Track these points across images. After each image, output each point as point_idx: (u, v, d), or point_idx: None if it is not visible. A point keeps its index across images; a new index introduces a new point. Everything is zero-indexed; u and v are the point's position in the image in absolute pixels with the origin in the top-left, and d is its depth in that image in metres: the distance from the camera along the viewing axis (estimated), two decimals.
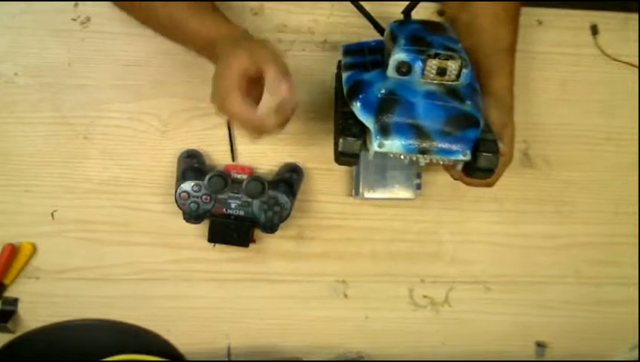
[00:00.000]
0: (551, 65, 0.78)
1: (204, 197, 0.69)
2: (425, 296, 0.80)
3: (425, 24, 0.60)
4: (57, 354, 0.75)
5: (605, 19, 0.78)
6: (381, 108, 0.56)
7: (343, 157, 0.58)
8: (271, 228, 0.71)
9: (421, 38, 0.57)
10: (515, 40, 0.70)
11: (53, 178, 0.72)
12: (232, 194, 0.70)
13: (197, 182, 0.69)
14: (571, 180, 0.79)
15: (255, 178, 0.69)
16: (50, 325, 0.74)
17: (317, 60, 0.74)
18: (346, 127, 0.58)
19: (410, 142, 0.55)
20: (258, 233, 0.73)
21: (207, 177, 0.68)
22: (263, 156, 0.74)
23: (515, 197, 0.78)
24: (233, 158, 0.74)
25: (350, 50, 0.66)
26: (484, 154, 0.56)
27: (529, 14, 0.76)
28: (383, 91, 0.57)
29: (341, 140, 0.57)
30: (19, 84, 0.71)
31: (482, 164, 0.57)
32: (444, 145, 0.56)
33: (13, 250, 0.71)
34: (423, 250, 0.78)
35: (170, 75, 0.72)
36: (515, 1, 0.70)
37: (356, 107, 0.57)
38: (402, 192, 0.73)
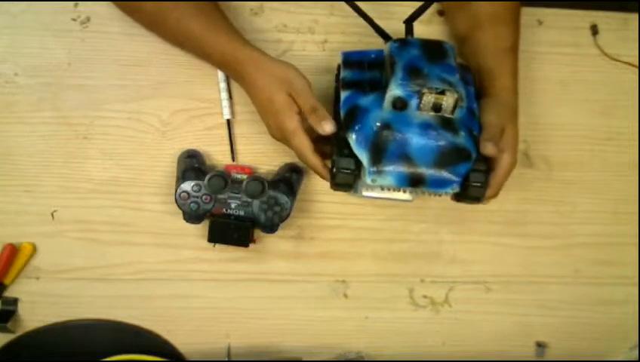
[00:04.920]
0: (551, 65, 0.78)
1: (204, 197, 0.69)
2: (425, 296, 0.80)
3: (424, 47, 0.60)
4: (57, 354, 0.75)
5: (605, 19, 0.78)
6: (376, 145, 0.58)
7: (339, 188, 0.62)
8: (271, 228, 0.71)
9: (418, 69, 0.58)
10: (516, 39, 0.70)
11: (53, 178, 0.72)
12: (232, 194, 0.70)
13: (197, 182, 0.69)
14: (571, 180, 0.79)
15: (255, 178, 0.69)
16: (50, 325, 0.74)
17: (317, 60, 0.74)
18: (342, 161, 0.60)
19: (402, 178, 0.59)
20: (258, 233, 0.73)
21: (207, 177, 0.68)
22: (263, 156, 0.74)
23: (515, 197, 0.78)
24: (233, 158, 0.74)
25: (350, 61, 0.66)
26: (473, 185, 0.60)
27: (529, 14, 0.76)
28: (378, 124, 0.58)
29: (337, 174, 0.60)
30: (19, 84, 0.71)
31: (470, 194, 0.60)
32: (435, 181, 0.59)
33: (13, 250, 0.71)
34: (423, 250, 0.78)
35: (170, 75, 0.72)
36: (515, 0, 0.70)
37: (352, 139, 0.59)
38: (400, 194, 0.73)
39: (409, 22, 0.66)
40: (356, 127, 0.60)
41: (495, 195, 0.66)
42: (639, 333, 0.82)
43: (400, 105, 0.58)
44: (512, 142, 0.65)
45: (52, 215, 0.73)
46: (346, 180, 0.60)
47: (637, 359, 0.82)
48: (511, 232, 0.79)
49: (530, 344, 0.82)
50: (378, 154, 0.58)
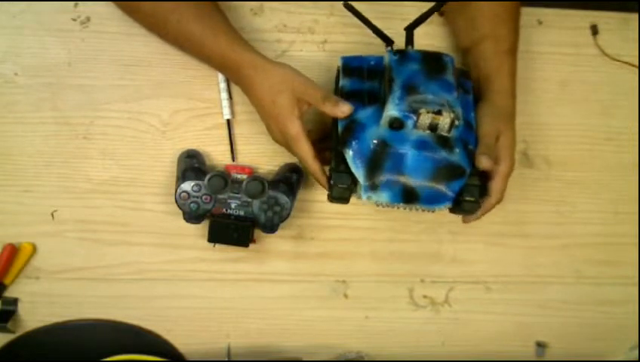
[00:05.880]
0: (551, 65, 0.78)
1: (204, 197, 0.69)
2: (425, 296, 0.80)
3: (423, 62, 0.61)
4: (57, 354, 0.75)
5: (605, 19, 0.78)
6: (372, 162, 0.60)
7: (335, 201, 0.63)
8: (271, 228, 0.71)
9: (416, 88, 0.59)
10: (516, 40, 0.70)
11: (53, 178, 0.72)
12: (232, 194, 0.70)
13: (197, 182, 0.69)
14: (571, 180, 0.79)
15: (255, 178, 0.69)
16: (50, 325, 0.74)
17: (317, 60, 0.74)
18: (338, 177, 0.62)
19: (397, 196, 0.61)
20: (258, 233, 0.73)
21: (207, 177, 0.68)
22: (263, 156, 0.74)
23: (515, 197, 0.78)
24: (233, 158, 0.74)
25: (349, 67, 0.66)
26: (467, 200, 0.62)
27: (529, 14, 0.76)
28: (375, 142, 0.60)
29: (334, 190, 0.62)
30: (19, 84, 0.71)
31: (464, 209, 0.62)
32: (428, 197, 0.61)
33: (13, 250, 0.71)
34: (423, 250, 0.78)
35: (170, 75, 0.72)
36: (514, 0, 0.70)
37: (348, 155, 0.61)
38: None
39: (410, 29, 0.66)
40: (353, 143, 0.61)
41: (498, 201, 0.67)
42: (639, 333, 0.82)
43: (397, 125, 0.59)
44: (508, 147, 0.66)
45: (52, 215, 0.73)
46: (342, 195, 0.62)
47: (637, 359, 0.82)
48: (511, 232, 0.79)
49: (530, 344, 0.82)
50: (373, 172, 0.60)
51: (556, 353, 0.82)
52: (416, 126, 0.59)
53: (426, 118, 0.58)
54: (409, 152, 0.60)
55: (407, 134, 0.59)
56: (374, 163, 0.60)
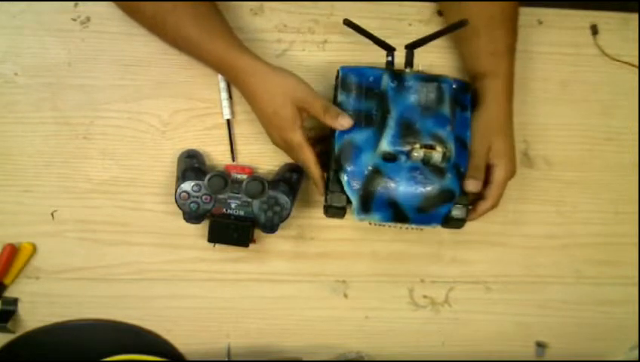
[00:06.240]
0: (551, 66, 0.78)
1: (204, 197, 0.69)
2: (425, 296, 0.80)
3: (420, 92, 0.63)
4: (57, 354, 0.75)
5: (605, 19, 0.78)
6: (365, 188, 0.63)
7: (330, 216, 0.66)
8: (271, 228, 0.71)
9: (411, 124, 0.62)
10: (513, 42, 0.70)
11: (53, 178, 0.72)
12: (232, 194, 0.70)
13: (197, 182, 0.69)
14: (571, 180, 0.79)
15: (255, 178, 0.69)
16: (50, 325, 0.74)
17: (317, 60, 0.74)
18: (333, 197, 0.64)
19: (388, 217, 0.64)
20: (258, 233, 0.73)
21: (207, 177, 0.68)
22: (263, 156, 0.74)
23: (515, 197, 0.78)
24: (233, 158, 0.74)
25: (348, 81, 0.66)
26: (455, 218, 0.65)
27: (529, 14, 0.76)
28: (370, 168, 0.63)
29: (329, 209, 0.65)
30: (19, 84, 0.71)
31: (452, 226, 0.66)
32: (418, 219, 0.64)
33: (13, 250, 0.71)
34: (423, 250, 0.78)
35: (170, 75, 0.72)
36: (512, 1, 0.70)
37: (344, 180, 0.64)
38: None
39: (411, 48, 0.66)
40: (348, 169, 0.63)
41: (494, 206, 0.69)
42: (639, 333, 0.82)
43: (390, 158, 0.62)
44: (502, 154, 0.68)
45: (52, 215, 0.73)
46: (336, 214, 0.66)
47: (637, 359, 0.82)
48: (511, 232, 0.79)
49: (530, 344, 0.82)
50: (367, 197, 0.63)
51: (556, 353, 0.82)
52: (409, 158, 0.62)
53: (419, 153, 0.61)
54: (402, 181, 0.62)
55: (400, 165, 0.62)
56: (368, 188, 0.63)
